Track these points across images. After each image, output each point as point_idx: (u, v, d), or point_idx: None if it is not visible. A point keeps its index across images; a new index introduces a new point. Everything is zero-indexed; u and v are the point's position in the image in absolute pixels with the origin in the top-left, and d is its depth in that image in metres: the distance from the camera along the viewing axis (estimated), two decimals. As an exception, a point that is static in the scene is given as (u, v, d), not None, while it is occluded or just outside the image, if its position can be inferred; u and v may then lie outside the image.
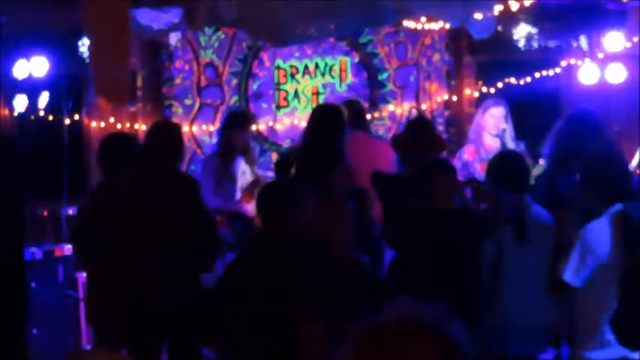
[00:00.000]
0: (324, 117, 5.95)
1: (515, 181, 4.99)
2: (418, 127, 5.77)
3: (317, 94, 8.68)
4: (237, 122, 6.98)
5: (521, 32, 7.99)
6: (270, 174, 7.00)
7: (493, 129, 6.78)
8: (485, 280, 4.94)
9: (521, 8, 7.29)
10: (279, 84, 8.65)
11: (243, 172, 6.96)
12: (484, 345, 4.92)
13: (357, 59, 8.72)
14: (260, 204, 4.47)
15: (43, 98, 7.39)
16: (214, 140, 7.34)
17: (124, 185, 5.42)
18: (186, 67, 8.47)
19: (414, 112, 6.23)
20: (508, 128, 6.79)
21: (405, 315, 1.67)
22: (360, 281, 4.89)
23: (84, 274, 6.26)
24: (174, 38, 8.21)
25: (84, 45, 7.45)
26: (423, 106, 8.73)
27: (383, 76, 8.76)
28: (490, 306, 4.91)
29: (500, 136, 6.77)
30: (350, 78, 8.72)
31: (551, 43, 8.12)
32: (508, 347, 4.93)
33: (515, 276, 4.89)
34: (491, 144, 6.81)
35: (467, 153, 6.87)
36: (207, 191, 6.59)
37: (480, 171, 6.71)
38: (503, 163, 5.09)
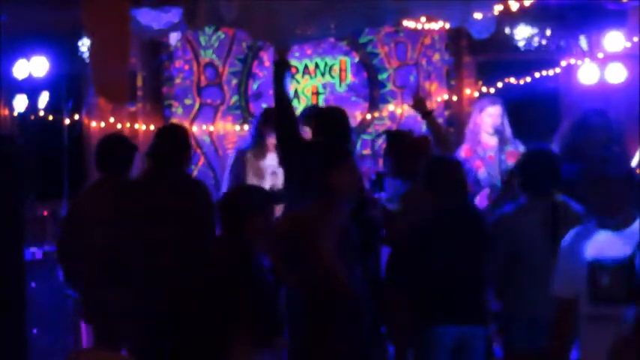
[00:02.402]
0: (328, 118, 5.93)
1: (541, 181, 4.96)
2: (392, 145, 5.75)
3: (317, 94, 8.68)
4: (270, 118, 6.82)
5: (522, 33, 7.99)
6: None
7: (490, 128, 6.82)
8: (499, 276, 4.92)
9: (521, 8, 7.28)
10: (279, 84, 8.64)
11: (274, 173, 6.89)
12: (507, 341, 4.91)
13: (357, 59, 8.72)
14: (220, 209, 4.40)
15: (43, 98, 7.39)
16: (248, 135, 7.31)
17: (129, 186, 5.44)
18: (186, 67, 8.47)
19: (386, 135, 6.22)
20: (506, 125, 6.82)
21: None
22: (341, 299, 4.76)
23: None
24: (174, 38, 8.20)
25: (84, 45, 7.45)
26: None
27: (383, 76, 8.76)
28: (513, 301, 4.89)
29: (499, 133, 6.79)
30: (350, 78, 8.72)
31: (551, 43, 8.12)
32: (534, 341, 4.88)
33: (544, 271, 4.85)
34: (489, 142, 6.85)
35: (463, 151, 6.90)
36: (231, 182, 6.65)
37: (478, 169, 6.74)
38: (534, 162, 5.07)
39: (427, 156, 5.53)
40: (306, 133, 6.65)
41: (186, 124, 8.37)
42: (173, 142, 5.59)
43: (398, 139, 5.79)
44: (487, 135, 6.83)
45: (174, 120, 8.34)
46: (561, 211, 4.91)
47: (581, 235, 4.07)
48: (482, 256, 4.97)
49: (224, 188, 7.10)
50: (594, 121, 5.80)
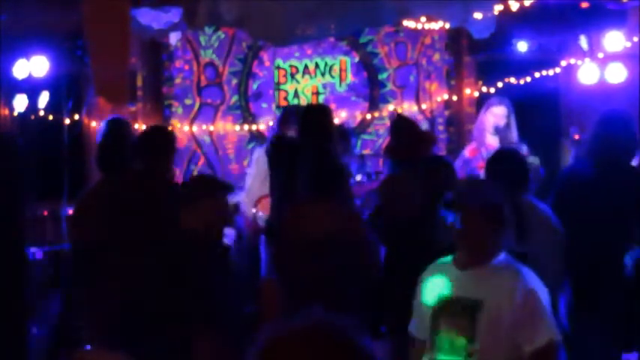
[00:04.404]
0: (315, 117, 5.92)
1: (511, 181, 4.93)
2: (399, 128, 5.78)
3: (317, 94, 8.69)
4: (288, 118, 6.77)
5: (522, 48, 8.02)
6: None
7: (491, 127, 6.79)
8: None
9: (521, 8, 7.28)
10: (279, 84, 8.65)
11: None
12: None
13: (357, 59, 8.73)
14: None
15: (43, 98, 7.38)
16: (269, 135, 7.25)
17: (119, 186, 5.45)
18: (186, 67, 8.47)
19: (394, 114, 6.25)
20: (511, 127, 6.79)
21: (311, 323, 1.63)
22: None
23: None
24: (174, 38, 8.21)
25: (84, 45, 7.45)
26: (423, 106, 8.74)
27: (383, 76, 8.76)
28: None
29: (500, 133, 6.77)
30: (350, 78, 8.72)
31: (551, 43, 8.11)
32: None
33: None
34: (492, 143, 6.83)
35: (468, 150, 6.90)
36: (255, 180, 6.62)
37: (479, 169, 6.72)
38: (500, 162, 5.06)
39: (426, 152, 5.56)
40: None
41: (186, 124, 8.39)
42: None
43: (407, 123, 5.82)
44: (490, 135, 6.82)
45: (175, 120, 8.36)
46: (527, 212, 4.88)
47: (439, 269, 3.57)
48: None
49: (246, 187, 7.12)
50: (611, 126, 5.65)
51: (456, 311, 3.36)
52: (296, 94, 8.66)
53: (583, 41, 8.01)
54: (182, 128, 8.34)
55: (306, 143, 5.64)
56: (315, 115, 5.92)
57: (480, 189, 3.55)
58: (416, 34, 8.66)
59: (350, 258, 4.82)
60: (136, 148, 5.61)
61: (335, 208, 4.93)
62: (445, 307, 3.40)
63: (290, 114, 6.82)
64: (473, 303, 3.33)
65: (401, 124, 5.83)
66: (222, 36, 8.53)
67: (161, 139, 5.64)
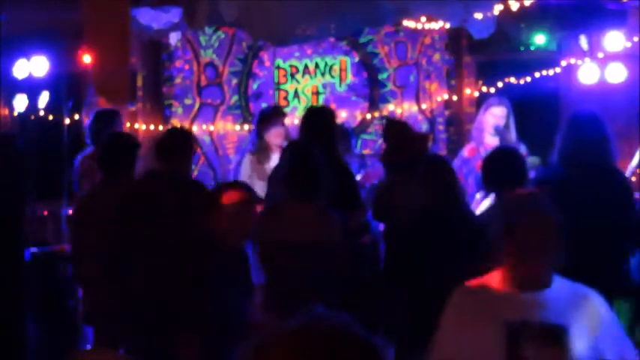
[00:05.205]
0: (316, 119, 5.89)
1: (506, 179, 4.93)
2: (391, 131, 5.78)
3: (317, 93, 8.69)
4: (266, 118, 6.74)
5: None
6: None
7: (491, 128, 6.79)
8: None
9: (522, 8, 7.28)
10: (279, 84, 8.65)
11: None
12: None
13: (357, 59, 8.73)
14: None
15: (43, 98, 7.39)
16: (249, 138, 7.19)
17: (130, 189, 5.44)
18: (186, 67, 8.47)
19: (385, 121, 6.25)
20: (510, 128, 6.78)
21: (311, 321, 1.62)
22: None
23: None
24: (174, 38, 8.21)
25: (84, 45, 7.45)
26: (423, 106, 8.74)
27: (383, 76, 8.76)
28: None
29: (500, 134, 6.76)
30: (350, 78, 8.72)
31: (551, 43, 8.12)
32: None
33: None
34: (491, 143, 6.82)
35: (467, 150, 6.89)
36: None
37: (478, 169, 6.72)
38: (495, 161, 5.05)
39: (424, 153, 5.56)
40: (274, 132, 6.65)
41: (186, 123, 8.39)
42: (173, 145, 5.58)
43: (396, 126, 5.82)
44: (489, 135, 6.82)
45: (175, 120, 8.35)
46: None
47: (481, 292, 3.17)
48: (465, 259, 4.95)
49: None
50: (583, 128, 5.64)
51: (542, 339, 2.98)
52: (296, 94, 8.66)
53: (583, 41, 8.01)
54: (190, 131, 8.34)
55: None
56: (316, 116, 5.91)
57: (549, 203, 3.11)
58: (416, 34, 8.66)
59: (323, 260, 4.79)
60: (157, 149, 5.59)
61: (309, 210, 4.88)
62: (525, 334, 2.99)
63: (268, 115, 6.80)
64: (561, 329, 2.97)
65: (392, 127, 5.82)
66: (222, 36, 8.53)
67: (182, 140, 5.61)
